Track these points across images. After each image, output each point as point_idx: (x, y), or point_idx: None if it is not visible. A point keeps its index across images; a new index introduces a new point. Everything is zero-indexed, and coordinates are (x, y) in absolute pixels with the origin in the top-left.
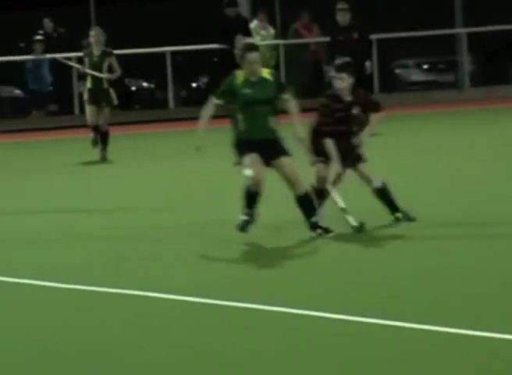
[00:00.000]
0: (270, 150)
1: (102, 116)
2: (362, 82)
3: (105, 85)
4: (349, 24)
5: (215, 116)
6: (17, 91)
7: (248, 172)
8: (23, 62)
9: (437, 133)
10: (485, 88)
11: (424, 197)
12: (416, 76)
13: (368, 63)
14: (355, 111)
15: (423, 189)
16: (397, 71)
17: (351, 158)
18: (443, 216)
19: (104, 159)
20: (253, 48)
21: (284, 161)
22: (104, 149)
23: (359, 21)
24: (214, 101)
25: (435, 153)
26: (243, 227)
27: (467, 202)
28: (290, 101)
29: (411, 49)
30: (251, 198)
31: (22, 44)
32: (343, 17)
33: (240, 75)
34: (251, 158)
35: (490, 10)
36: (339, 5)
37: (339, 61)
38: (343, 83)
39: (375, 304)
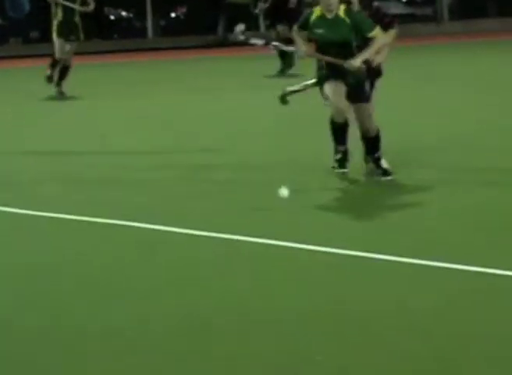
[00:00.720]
0: (350, 92)
1: (71, 49)
2: (285, 15)
3: (76, 18)
4: None
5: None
6: None
7: (283, 192)
8: None
9: (415, 67)
10: (463, 21)
11: (404, 130)
12: (395, 9)
13: None
14: None
15: (403, 123)
16: (376, 4)
17: (372, 72)
18: (430, 148)
19: (61, 94)
20: None
21: (360, 108)
22: (59, 84)
23: None
24: (297, 32)
25: (413, 87)
26: (340, 166)
27: (450, 135)
28: (377, 38)
29: None
30: (338, 131)
31: None
32: None
33: (316, 11)
34: (331, 87)
35: None
36: None
37: None
38: None
39: (361, 238)
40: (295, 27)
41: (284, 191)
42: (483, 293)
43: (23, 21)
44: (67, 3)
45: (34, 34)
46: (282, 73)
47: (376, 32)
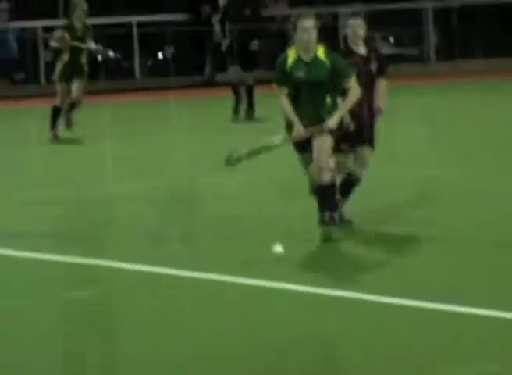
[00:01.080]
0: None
1: (77, 87)
2: (246, 58)
3: (83, 59)
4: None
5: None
6: None
7: (277, 249)
8: None
9: (402, 107)
10: (450, 62)
11: (387, 172)
12: (384, 49)
13: (255, 41)
14: (373, 67)
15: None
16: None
17: (367, 135)
18: (409, 197)
19: (56, 137)
20: (309, 15)
21: (317, 141)
22: (54, 127)
23: None
24: (278, 89)
25: (400, 127)
26: (329, 235)
27: (435, 182)
28: (350, 91)
29: (377, 22)
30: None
31: None
32: None
33: (291, 53)
34: (306, 160)
35: None
36: None
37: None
38: (362, 30)
39: (344, 278)
40: (275, 86)
41: (278, 248)
42: (470, 333)
43: (9, 62)
44: (82, 45)
45: (20, 76)
46: (248, 117)
47: (352, 82)
